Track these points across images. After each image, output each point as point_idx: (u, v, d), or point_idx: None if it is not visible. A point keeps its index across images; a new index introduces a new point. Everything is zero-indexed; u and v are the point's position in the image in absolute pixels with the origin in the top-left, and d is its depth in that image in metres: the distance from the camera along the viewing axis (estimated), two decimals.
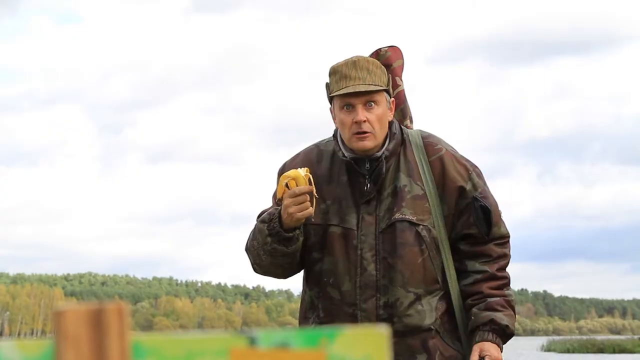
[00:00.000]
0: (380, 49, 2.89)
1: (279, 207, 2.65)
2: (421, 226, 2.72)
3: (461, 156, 2.84)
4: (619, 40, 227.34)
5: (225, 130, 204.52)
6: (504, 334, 2.72)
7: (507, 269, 2.82)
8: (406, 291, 2.70)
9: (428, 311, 2.73)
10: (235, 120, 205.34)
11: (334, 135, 2.83)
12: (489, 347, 2.69)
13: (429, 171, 2.76)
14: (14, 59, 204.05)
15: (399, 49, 2.92)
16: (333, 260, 2.73)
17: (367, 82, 2.69)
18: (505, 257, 2.81)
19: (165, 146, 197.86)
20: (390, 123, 2.78)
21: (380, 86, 2.70)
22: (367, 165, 2.74)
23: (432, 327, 2.73)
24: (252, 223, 2.81)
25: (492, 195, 2.82)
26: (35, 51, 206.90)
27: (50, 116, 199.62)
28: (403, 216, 2.71)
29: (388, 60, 2.87)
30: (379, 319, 2.69)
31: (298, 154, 2.90)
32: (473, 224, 2.75)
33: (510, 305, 2.75)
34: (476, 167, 2.84)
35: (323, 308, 2.78)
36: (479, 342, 2.70)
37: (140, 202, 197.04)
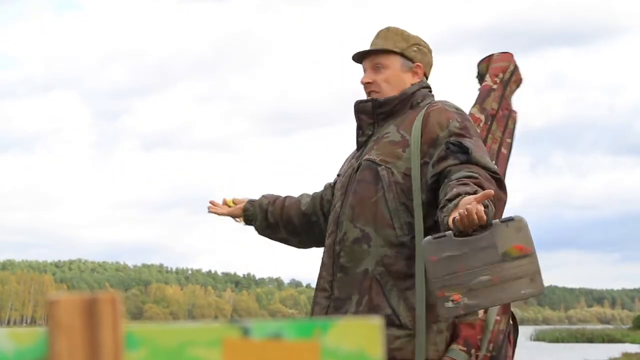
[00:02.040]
0: (493, 54, 3.10)
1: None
2: (383, 166, 2.74)
3: (455, 109, 2.78)
4: (613, 32, 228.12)
5: (222, 117, 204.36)
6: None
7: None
8: (354, 226, 2.74)
9: (373, 254, 2.68)
10: (232, 108, 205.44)
11: None
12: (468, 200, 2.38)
13: (419, 123, 2.76)
14: (13, 44, 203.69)
15: (510, 54, 3.07)
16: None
17: (377, 47, 2.89)
18: (490, 182, 2.55)
19: (161, 133, 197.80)
20: (410, 87, 2.86)
21: (387, 48, 2.86)
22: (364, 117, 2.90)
23: (371, 271, 2.67)
24: None
25: (475, 143, 2.66)
26: (33, 37, 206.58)
27: (47, 102, 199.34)
28: (369, 157, 2.80)
29: (494, 61, 3.05)
30: (334, 254, 2.77)
31: None
32: (445, 157, 2.63)
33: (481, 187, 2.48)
34: (465, 118, 2.74)
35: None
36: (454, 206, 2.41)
37: (134, 189, 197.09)
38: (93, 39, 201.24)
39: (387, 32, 2.90)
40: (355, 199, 2.76)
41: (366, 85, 2.89)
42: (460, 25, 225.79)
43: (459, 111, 2.78)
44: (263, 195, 3.20)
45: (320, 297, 2.79)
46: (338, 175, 2.99)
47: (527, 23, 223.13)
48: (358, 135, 2.91)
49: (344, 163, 3.00)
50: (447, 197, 2.46)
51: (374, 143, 2.82)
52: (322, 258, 2.84)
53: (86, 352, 0.70)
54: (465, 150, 2.59)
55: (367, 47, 2.93)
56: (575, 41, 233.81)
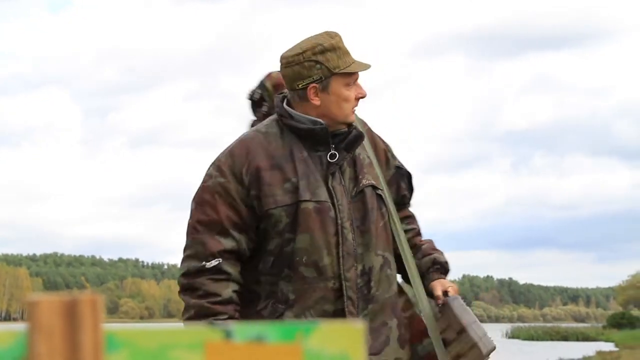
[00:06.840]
0: (272, 72, 2.90)
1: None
2: (379, 190, 2.77)
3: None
4: (597, 36, 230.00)
5: (211, 116, 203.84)
6: (446, 271, 2.88)
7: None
8: (376, 255, 2.72)
9: (393, 276, 2.79)
10: (221, 107, 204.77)
11: (281, 114, 2.70)
12: (447, 282, 2.84)
13: (367, 142, 2.82)
14: (3, 41, 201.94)
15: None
16: (308, 237, 2.62)
17: (365, 64, 2.71)
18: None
19: (150, 131, 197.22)
20: None
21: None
22: (335, 137, 2.69)
23: (397, 292, 2.80)
24: None
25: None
26: (24, 34, 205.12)
27: (38, 99, 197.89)
28: (368, 181, 2.73)
29: (280, 80, 2.80)
30: (357, 287, 2.66)
31: (232, 149, 2.68)
32: (406, 189, 2.91)
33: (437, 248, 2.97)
34: None
35: (294, 290, 2.64)
36: (435, 280, 2.84)
37: (118, 186, 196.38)
38: (85, 36, 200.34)
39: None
40: (374, 228, 2.70)
41: (359, 100, 2.70)
42: (446, 30, 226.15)
43: None
44: None
45: None
46: (303, 202, 2.63)
47: (512, 28, 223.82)
48: (322, 160, 2.67)
49: (303, 182, 2.65)
50: (424, 266, 2.87)
51: (354, 166, 2.71)
52: (335, 295, 2.64)
53: (66, 354, 0.69)
54: (411, 183, 2.94)
55: (354, 56, 2.70)
56: (559, 45, 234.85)
